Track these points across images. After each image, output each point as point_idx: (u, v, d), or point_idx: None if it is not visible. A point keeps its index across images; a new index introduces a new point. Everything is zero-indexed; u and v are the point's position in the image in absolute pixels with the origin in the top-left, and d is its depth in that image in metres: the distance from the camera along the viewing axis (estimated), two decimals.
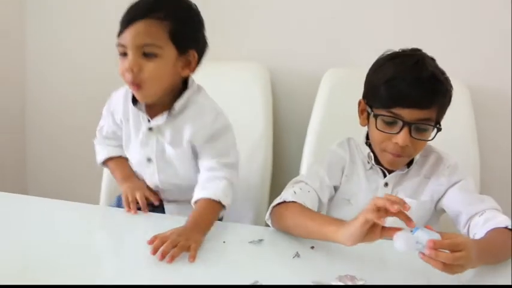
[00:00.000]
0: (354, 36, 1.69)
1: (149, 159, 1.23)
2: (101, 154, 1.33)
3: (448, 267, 0.85)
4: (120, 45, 1.10)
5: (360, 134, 1.23)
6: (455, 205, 1.14)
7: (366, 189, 1.19)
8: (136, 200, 1.18)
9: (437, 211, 1.20)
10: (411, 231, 0.88)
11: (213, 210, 1.12)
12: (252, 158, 1.56)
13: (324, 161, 1.22)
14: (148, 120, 1.19)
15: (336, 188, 1.20)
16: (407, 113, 1.08)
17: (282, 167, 1.72)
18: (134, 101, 1.20)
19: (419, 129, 1.10)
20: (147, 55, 1.09)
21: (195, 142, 1.18)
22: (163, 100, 1.16)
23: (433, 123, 1.10)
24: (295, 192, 1.12)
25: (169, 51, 1.11)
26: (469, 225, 1.09)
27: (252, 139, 1.58)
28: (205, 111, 1.18)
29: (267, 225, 1.14)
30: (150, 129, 1.19)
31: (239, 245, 1.04)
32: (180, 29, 1.12)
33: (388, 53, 1.15)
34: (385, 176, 1.19)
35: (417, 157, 1.18)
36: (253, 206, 1.53)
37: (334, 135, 1.46)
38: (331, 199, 1.20)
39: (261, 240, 1.06)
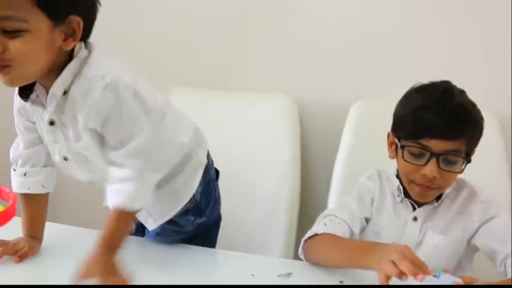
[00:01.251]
0: (383, 68, 1.69)
1: (65, 158, 1.02)
2: (19, 183, 1.06)
3: None
4: None
5: (388, 166, 1.22)
6: (489, 243, 1.11)
7: (394, 223, 1.17)
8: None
9: (471, 248, 1.17)
10: (435, 275, 0.87)
11: (123, 222, 0.97)
12: (279, 189, 1.55)
13: (354, 193, 1.21)
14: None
15: (367, 220, 1.19)
16: (434, 144, 1.07)
17: (310, 199, 1.71)
18: (21, 92, 0.97)
19: (448, 160, 1.08)
20: (8, 32, 0.84)
21: (93, 127, 0.95)
22: (49, 83, 0.93)
23: (462, 155, 1.09)
24: (325, 224, 1.12)
25: (39, 23, 0.85)
26: (505, 264, 1.06)
27: (279, 170, 1.57)
28: (91, 85, 0.91)
29: (295, 258, 1.13)
30: (51, 123, 0.98)
31: (268, 278, 1.03)
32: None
33: (418, 85, 1.15)
34: (414, 209, 1.17)
35: (448, 191, 1.16)
36: (281, 237, 1.52)
37: (362, 167, 1.46)
38: (362, 230, 1.19)
39: (289, 274, 1.05)
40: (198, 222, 1.17)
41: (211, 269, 1.07)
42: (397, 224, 1.17)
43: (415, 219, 1.16)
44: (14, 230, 0.94)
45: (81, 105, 0.92)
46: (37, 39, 0.86)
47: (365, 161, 1.49)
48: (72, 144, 0.98)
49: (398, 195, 1.18)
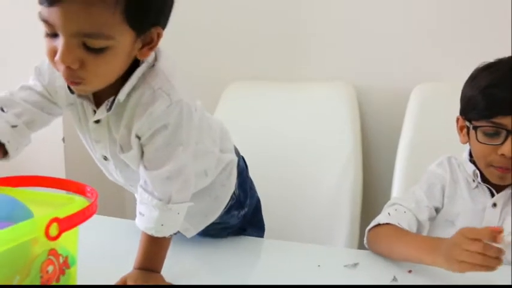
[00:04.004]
0: (441, 51, 1.65)
1: (105, 158, 0.97)
2: None
3: None
4: (44, 21, 0.77)
5: (455, 151, 1.18)
6: None
7: (471, 210, 1.12)
8: None
9: None
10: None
11: (160, 246, 0.93)
12: (342, 178, 1.54)
13: (423, 182, 1.17)
14: (94, 111, 0.90)
15: (437, 210, 1.15)
16: (509, 121, 1.01)
17: (373, 187, 1.69)
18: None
19: None
20: (90, 49, 0.77)
21: (141, 136, 0.90)
22: (111, 84, 0.87)
23: None
24: (389, 213, 1.10)
25: (124, 38, 0.80)
26: None
27: (341, 159, 1.56)
28: (156, 98, 0.86)
29: (360, 247, 1.12)
30: (97, 121, 0.91)
31: (334, 269, 1.03)
32: (139, 4, 0.79)
33: (483, 64, 1.10)
34: (492, 195, 1.11)
35: None
36: (345, 226, 1.51)
37: (425, 153, 1.43)
38: (432, 220, 1.15)
39: (356, 264, 1.04)
40: (242, 214, 1.16)
41: (277, 260, 1.08)
42: (474, 211, 1.12)
43: (494, 205, 1.10)
44: (94, 227, 0.92)
45: (140, 115, 0.87)
46: (119, 55, 0.81)
47: (429, 147, 1.46)
48: (114, 148, 0.94)
49: (474, 181, 1.12)
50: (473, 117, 1.07)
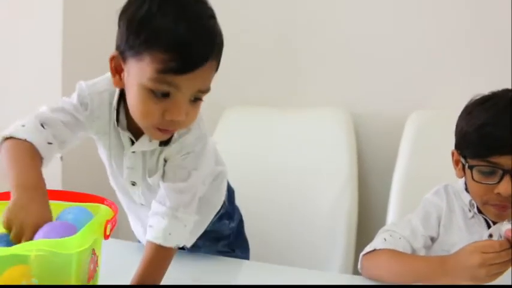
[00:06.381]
0: (438, 78, 1.67)
1: (133, 183, 1.04)
2: (19, 130, 0.89)
3: None
4: (164, 83, 0.83)
5: (450, 178, 1.17)
6: None
7: (467, 240, 1.09)
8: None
9: None
10: None
11: (158, 258, 0.97)
12: (337, 204, 1.55)
13: (419, 210, 1.16)
14: (132, 142, 0.98)
15: (432, 239, 1.14)
16: (505, 160, 1.00)
17: (368, 213, 1.69)
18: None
19: None
20: (194, 101, 0.87)
21: (168, 159, 0.99)
22: None
23: None
24: (385, 239, 1.10)
25: None
26: None
27: (337, 185, 1.57)
28: (189, 130, 0.96)
29: (354, 273, 1.12)
30: (133, 152, 0.99)
31: None
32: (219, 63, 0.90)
33: (477, 97, 1.10)
34: (489, 226, 1.10)
35: None
36: (340, 251, 1.51)
37: (421, 179, 1.44)
38: (427, 249, 1.14)
39: None
40: (232, 227, 1.23)
41: (269, 284, 1.07)
42: (470, 241, 1.09)
43: (491, 236, 1.09)
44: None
45: (174, 141, 0.96)
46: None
47: (424, 173, 1.47)
48: (144, 174, 1.01)
49: (470, 211, 1.12)
50: (469, 155, 1.06)
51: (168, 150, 0.96)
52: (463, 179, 1.14)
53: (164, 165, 0.99)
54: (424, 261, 1.05)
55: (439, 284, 0.97)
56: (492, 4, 1.60)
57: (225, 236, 1.23)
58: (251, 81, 1.81)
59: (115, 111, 0.95)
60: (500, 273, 0.91)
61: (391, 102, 1.72)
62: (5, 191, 0.86)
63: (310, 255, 1.51)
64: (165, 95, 0.84)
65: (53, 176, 1.72)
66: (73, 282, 0.75)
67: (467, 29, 1.63)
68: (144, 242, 1.04)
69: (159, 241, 0.95)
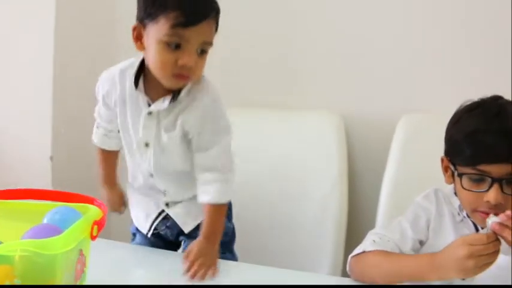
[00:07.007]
0: (429, 81, 1.67)
1: (147, 144, 1.19)
2: (99, 139, 1.30)
3: None
4: (176, 35, 1.07)
5: (440, 181, 1.17)
6: None
7: None
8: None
9: None
10: None
11: (219, 213, 1.18)
12: (326, 206, 1.55)
13: (408, 214, 1.16)
14: (149, 104, 1.16)
15: (421, 242, 1.14)
16: (495, 169, 1.00)
17: (358, 216, 1.69)
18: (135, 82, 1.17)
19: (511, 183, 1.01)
20: (201, 53, 1.10)
21: (187, 129, 1.16)
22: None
23: None
24: (374, 241, 1.10)
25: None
26: None
27: (326, 187, 1.57)
28: (202, 94, 1.16)
29: (343, 275, 1.12)
30: (150, 113, 1.16)
31: None
32: (218, 21, 1.13)
33: (467, 104, 1.09)
34: (477, 229, 1.10)
35: None
36: (329, 253, 1.52)
37: (410, 182, 1.45)
38: (416, 252, 1.14)
39: None
40: (229, 227, 1.30)
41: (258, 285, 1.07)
42: None
43: None
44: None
45: (188, 107, 1.14)
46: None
47: (414, 176, 1.47)
48: (159, 134, 1.16)
49: (459, 214, 1.12)
50: (458, 162, 1.06)
51: (189, 117, 1.14)
52: (453, 184, 1.14)
53: (193, 138, 1.16)
54: (413, 258, 1.06)
55: (428, 280, 0.98)
56: (483, 8, 1.61)
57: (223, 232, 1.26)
58: (244, 84, 1.80)
59: (134, 77, 1.14)
60: (489, 264, 0.91)
61: (382, 105, 1.72)
62: None
63: (299, 257, 1.51)
64: (177, 47, 1.07)
65: (42, 176, 1.73)
66: (57, 283, 0.75)
67: (459, 33, 1.63)
68: (143, 229, 1.27)
69: (215, 200, 1.15)
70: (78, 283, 0.84)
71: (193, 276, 1.08)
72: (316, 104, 1.76)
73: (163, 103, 1.14)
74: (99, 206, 0.92)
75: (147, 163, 1.20)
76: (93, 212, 0.89)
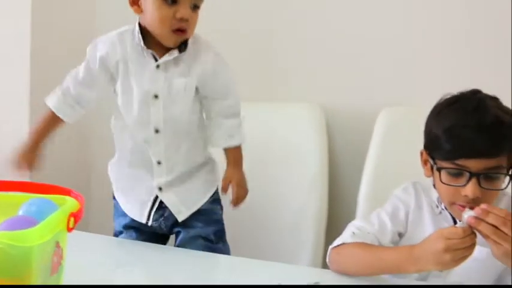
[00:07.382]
0: (409, 75, 1.68)
1: (156, 96, 1.22)
2: (58, 105, 1.28)
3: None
4: None
5: (419, 174, 1.18)
6: None
7: None
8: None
9: None
10: None
11: (241, 149, 1.31)
12: (307, 198, 1.56)
13: (387, 206, 1.17)
14: (156, 59, 1.21)
15: (400, 235, 1.15)
16: (473, 163, 1.00)
17: (338, 208, 1.70)
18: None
19: (490, 178, 1.02)
20: (194, 8, 1.18)
21: (203, 73, 1.23)
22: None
23: (504, 171, 1.02)
24: (353, 233, 1.10)
25: None
26: None
27: (307, 179, 1.57)
28: (208, 46, 1.26)
29: (323, 267, 1.13)
30: (158, 66, 1.21)
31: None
32: None
33: (446, 97, 1.10)
34: (455, 222, 1.11)
35: None
36: (309, 246, 1.52)
37: (390, 174, 1.45)
38: (395, 244, 1.15)
39: (317, 283, 1.05)
40: (222, 217, 1.33)
41: (238, 277, 1.07)
42: None
43: None
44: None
45: (197, 57, 1.22)
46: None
47: (394, 169, 1.48)
48: (169, 85, 1.21)
49: (438, 207, 1.14)
50: (437, 156, 1.06)
51: (203, 65, 1.22)
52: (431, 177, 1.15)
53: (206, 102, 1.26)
54: (393, 250, 1.06)
55: (407, 273, 1.00)
56: (463, 2, 1.62)
57: (215, 220, 1.32)
58: None
59: (139, 34, 1.20)
60: (465, 257, 0.92)
61: (363, 98, 1.73)
62: None
63: (279, 249, 1.52)
64: (174, 2, 1.15)
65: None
66: (33, 276, 0.74)
67: (439, 26, 1.65)
68: (142, 218, 1.26)
69: (243, 141, 1.29)
70: (55, 276, 0.83)
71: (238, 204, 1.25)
72: (297, 97, 1.76)
73: (171, 55, 1.20)
74: (76, 197, 0.90)
75: (155, 117, 1.22)
76: (70, 203, 0.87)
